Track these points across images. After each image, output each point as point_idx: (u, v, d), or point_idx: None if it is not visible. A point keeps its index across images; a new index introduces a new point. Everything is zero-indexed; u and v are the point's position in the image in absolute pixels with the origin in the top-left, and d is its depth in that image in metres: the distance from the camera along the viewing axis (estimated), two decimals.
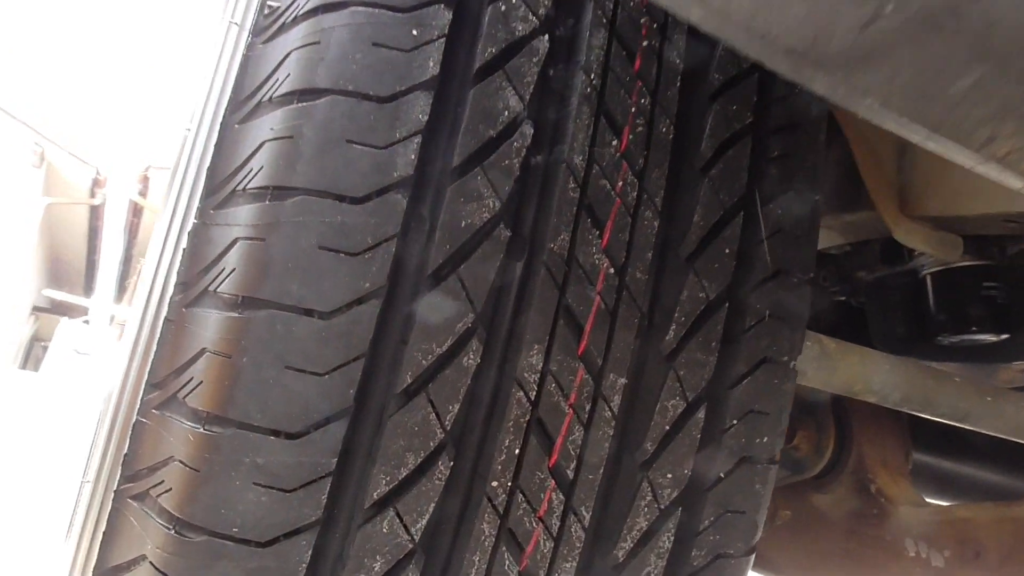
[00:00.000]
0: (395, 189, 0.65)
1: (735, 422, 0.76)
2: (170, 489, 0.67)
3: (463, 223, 0.66)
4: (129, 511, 0.71)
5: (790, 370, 0.80)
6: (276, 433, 0.64)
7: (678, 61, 0.74)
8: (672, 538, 0.73)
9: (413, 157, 0.66)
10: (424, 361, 0.65)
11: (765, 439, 0.78)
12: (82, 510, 0.84)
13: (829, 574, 1.81)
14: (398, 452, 0.65)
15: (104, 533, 0.73)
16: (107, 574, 0.72)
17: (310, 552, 0.64)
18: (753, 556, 0.81)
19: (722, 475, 0.75)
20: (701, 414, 0.74)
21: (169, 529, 0.66)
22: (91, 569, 0.74)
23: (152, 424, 0.71)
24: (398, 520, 0.65)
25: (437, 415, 0.65)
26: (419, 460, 0.65)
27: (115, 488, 0.72)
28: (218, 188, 0.72)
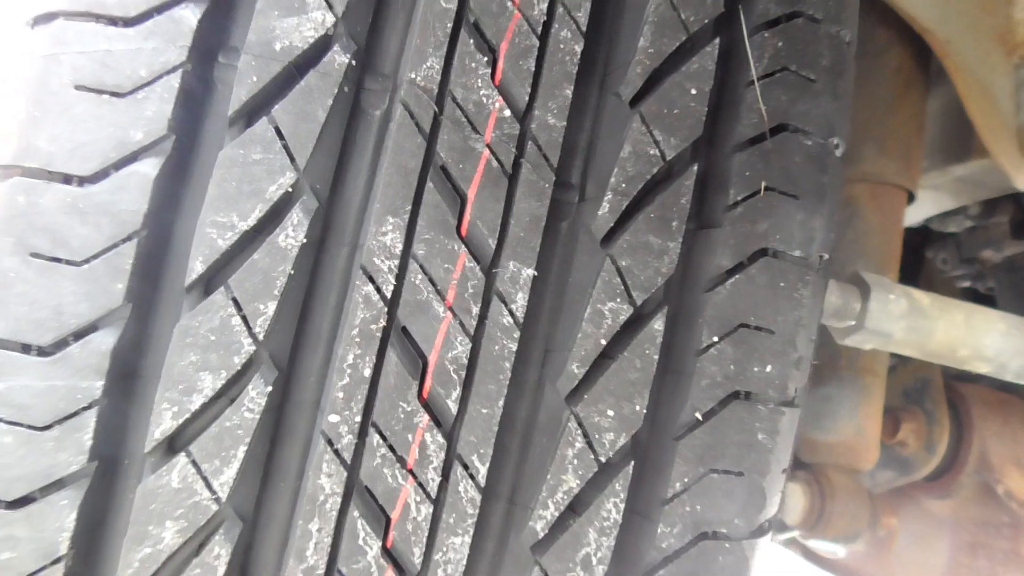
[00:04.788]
0: (181, 3, 0.48)
1: (716, 340, 0.53)
2: None
3: (277, 45, 0.48)
4: None
5: (808, 271, 0.57)
6: (21, 348, 0.47)
7: None
8: (621, 505, 0.51)
9: None
10: (222, 241, 0.47)
11: (768, 368, 0.55)
12: None
13: None
14: (189, 373, 0.46)
15: None
16: None
17: (74, 516, 0.46)
18: (762, 540, 0.57)
19: (699, 417, 0.53)
20: (658, 324, 0.52)
21: None
22: None
23: None
24: (194, 470, 0.46)
25: (243, 319, 0.47)
26: (220, 383, 0.47)
27: None
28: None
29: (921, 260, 1.52)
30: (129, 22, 0.48)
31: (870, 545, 1.42)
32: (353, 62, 0.49)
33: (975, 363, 1.06)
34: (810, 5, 0.59)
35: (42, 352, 0.47)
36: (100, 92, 0.48)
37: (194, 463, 0.47)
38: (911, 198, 1.16)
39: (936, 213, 1.32)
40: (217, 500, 0.47)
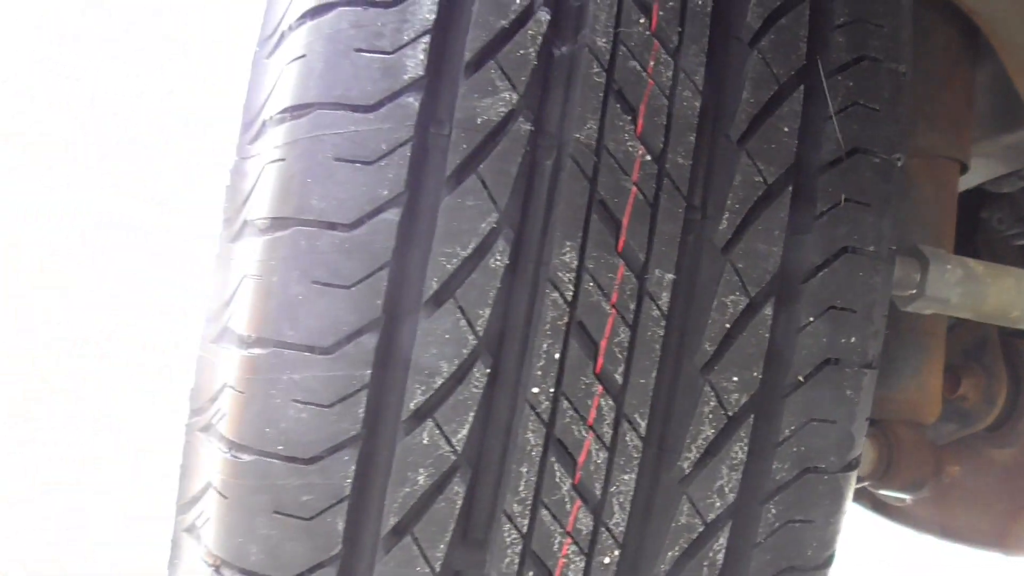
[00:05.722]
0: (406, 93, 0.65)
1: (812, 320, 0.69)
2: (225, 415, 0.70)
3: (478, 120, 0.65)
4: (198, 443, 0.75)
5: (880, 261, 0.72)
6: (310, 349, 0.65)
7: None
8: (746, 448, 0.68)
9: (423, 58, 0.66)
10: (449, 266, 0.65)
11: (853, 339, 0.71)
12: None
13: (1016, 537, 1.63)
14: (431, 361, 0.65)
15: (181, 467, 0.78)
16: (186, 506, 0.76)
17: (354, 467, 0.65)
18: (853, 473, 0.74)
19: (801, 379, 0.69)
20: (768, 310, 0.68)
21: (226, 453, 0.69)
22: (175, 502, 0.79)
23: (209, 357, 0.74)
24: (438, 431, 0.65)
25: (468, 321, 0.64)
26: (453, 368, 0.65)
27: (186, 423, 0.77)
28: (251, 122, 0.74)
29: (977, 220, 1.61)
30: (369, 109, 0.66)
31: (935, 492, 1.55)
32: (531, 127, 0.66)
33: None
34: (872, 48, 0.74)
35: (325, 351, 0.65)
36: (353, 162, 0.65)
37: (438, 426, 0.65)
38: (964, 169, 1.24)
39: (989, 179, 1.41)
40: (455, 452, 0.65)
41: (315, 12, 0.69)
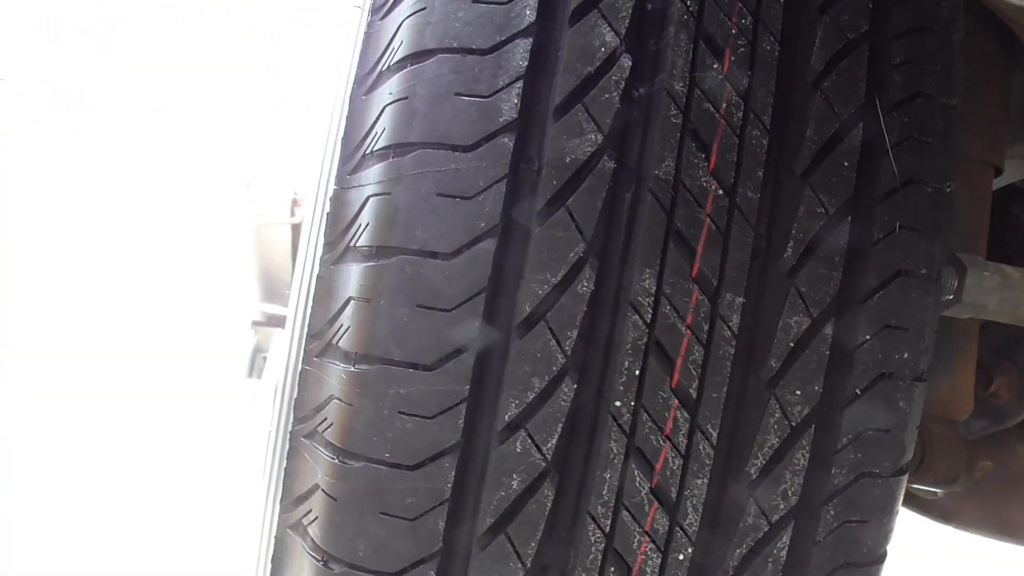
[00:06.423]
0: (502, 134, 0.72)
1: (868, 338, 0.76)
2: (332, 424, 0.77)
3: (567, 159, 0.72)
4: (303, 448, 0.83)
5: (931, 283, 0.78)
6: (414, 366, 0.72)
7: None
8: (807, 455, 0.74)
9: (516, 102, 0.72)
10: (540, 291, 0.71)
11: (906, 355, 0.77)
12: (269, 454, 0.98)
13: None
14: (524, 377, 0.71)
15: (285, 470, 0.85)
16: (291, 504, 0.84)
17: (454, 472, 0.72)
18: (905, 478, 0.80)
19: (858, 392, 0.76)
20: (828, 330, 0.74)
21: (334, 459, 0.76)
22: (279, 501, 0.86)
23: (314, 370, 0.82)
24: (530, 440, 0.71)
25: (557, 341, 0.71)
26: (544, 384, 0.71)
27: (290, 430, 0.84)
28: (351, 154, 0.81)
29: (1007, 216, 1.65)
30: (468, 149, 0.73)
31: (968, 488, 1.59)
32: (615, 165, 0.73)
33: None
34: (926, 85, 0.80)
35: (427, 368, 0.72)
36: (454, 197, 0.72)
37: (529, 436, 0.72)
38: (998, 172, 1.28)
39: (1020, 179, 1.45)
40: (545, 459, 0.72)
41: (415, 57, 0.76)
